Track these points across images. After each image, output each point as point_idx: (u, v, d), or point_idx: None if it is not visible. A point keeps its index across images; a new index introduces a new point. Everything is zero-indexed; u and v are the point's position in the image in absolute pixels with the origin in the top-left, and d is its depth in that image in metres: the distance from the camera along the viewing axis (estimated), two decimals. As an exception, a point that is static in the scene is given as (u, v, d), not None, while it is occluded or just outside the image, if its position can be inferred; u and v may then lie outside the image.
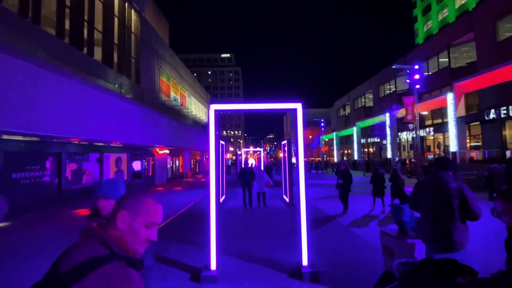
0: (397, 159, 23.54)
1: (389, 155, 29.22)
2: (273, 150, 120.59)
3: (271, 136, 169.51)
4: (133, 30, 21.55)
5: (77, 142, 10.31)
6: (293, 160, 10.32)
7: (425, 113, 22.40)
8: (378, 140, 31.53)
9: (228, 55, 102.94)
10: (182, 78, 34.56)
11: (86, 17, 15.76)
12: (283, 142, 10.51)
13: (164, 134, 16.12)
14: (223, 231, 4.82)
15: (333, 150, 49.31)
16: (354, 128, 38.40)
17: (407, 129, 23.54)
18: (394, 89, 32.51)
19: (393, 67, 17.35)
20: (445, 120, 22.17)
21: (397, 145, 29.04)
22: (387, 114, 27.75)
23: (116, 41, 19.00)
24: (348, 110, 48.07)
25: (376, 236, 4.25)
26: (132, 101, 12.42)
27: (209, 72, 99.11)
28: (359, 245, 5.46)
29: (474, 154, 19.44)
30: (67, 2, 12.92)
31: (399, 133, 26.61)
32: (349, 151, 44.53)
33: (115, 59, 19.05)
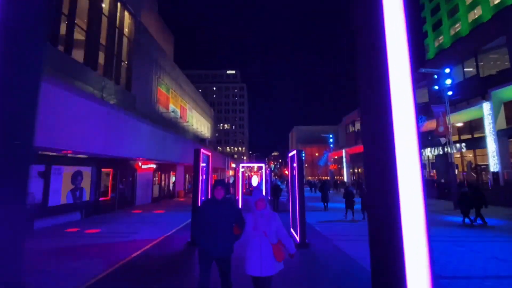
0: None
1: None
2: (278, 167, 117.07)
3: (276, 154, 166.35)
4: (125, 33, 19.70)
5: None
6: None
7: (460, 124, 19.25)
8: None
9: (233, 71, 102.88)
10: (183, 91, 32.72)
11: (66, 11, 13.96)
12: (291, 154, 7.60)
13: (147, 145, 13.44)
14: None
15: (341, 168, 45.77)
16: (367, 145, 35.20)
17: (438, 144, 20.34)
18: (411, 102, 29.69)
19: (422, 70, 14.63)
20: (476, 134, 19.09)
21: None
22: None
23: (103, 42, 17.10)
24: (358, 126, 45.19)
25: None
26: (103, 102, 9.88)
27: (214, 88, 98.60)
28: None
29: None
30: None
31: (422, 150, 23.37)
32: (359, 170, 41.02)
33: (101, 61, 17.09)
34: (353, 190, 11.53)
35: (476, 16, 40.38)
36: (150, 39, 23.17)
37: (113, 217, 11.32)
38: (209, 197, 7.73)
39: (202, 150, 7.41)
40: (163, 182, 19.14)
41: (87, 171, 10.73)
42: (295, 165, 6.98)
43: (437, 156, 23.27)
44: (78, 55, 14.91)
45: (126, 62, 19.36)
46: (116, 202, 13.33)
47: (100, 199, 12.26)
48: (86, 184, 10.69)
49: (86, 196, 10.70)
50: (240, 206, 14.29)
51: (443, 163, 22.82)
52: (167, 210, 13.89)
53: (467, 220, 9.85)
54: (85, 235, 8.05)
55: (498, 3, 34.47)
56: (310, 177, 59.87)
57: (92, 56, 15.67)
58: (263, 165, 15.14)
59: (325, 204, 13.87)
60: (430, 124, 19.34)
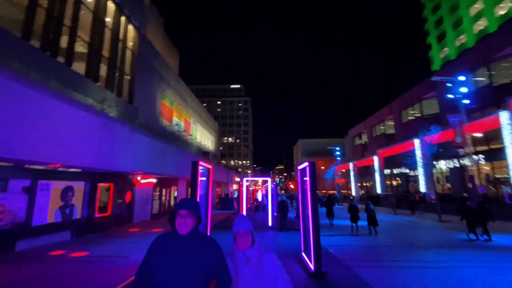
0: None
1: (422, 188, 24.47)
2: (283, 181, 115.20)
3: (280, 167, 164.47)
4: (129, 46, 19.62)
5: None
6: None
7: (479, 134, 18.12)
8: (407, 171, 27.05)
9: (238, 85, 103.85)
10: (187, 104, 32.49)
11: (69, 23, 13.86)
12: (301, 166, 6.75)
13: (146, 158, 12.72)
14: None
15: (349, 182, 44.29)
16: (375, 158, 34.05)
17: (457, 155, 19.15)
18: (420, 113, 28.91)
19: (433, 79, 13.89)
20: (493, 145, 17.97)
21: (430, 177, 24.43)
22: (416, 141, 23.77)
23: (105, 54, 16.94)
24: (365, 138, 44.19)
25: None
26: (96, 112, 9.27)
27: (219, 102, 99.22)
28: None
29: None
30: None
31: (435, 162, 22.15)
32: (368, 184, 39.57)
33: (103, 73, 16.87)
34: (357, 205, 11.75)
35: (481, 28, 40.31)
36: (154, 52, 23.12)
37: (107, 237, 10.42)
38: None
39: (201, 163, 6.62)
40: (163, 198, 18.22)
41: (79, 186, 9.95)
42: (306, 178, 6.12)
43: (452, 169, 22.03)
44: (80, 67, 14.69)
45: (129, 75, 19.12)
46: (112, 220, 12.44)
47: (97, 215, 11.42)
48: (77, 200, 9.87)
49: (78, 214, 9.85)
50: None
51: (459, 176, 21.57)
52: (166, 228, 12.92)
53: (472, 235, 9.76)
54: (69, 259, 7.16)
55: (504, 14, 34.22)
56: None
57: (93, 68, 15.44)
58: (268, 179, 14.16)
59: (330, 220, 13.87)
60: (443, 136, 18.35)
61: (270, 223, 13.15)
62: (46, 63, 11.93)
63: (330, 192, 51.65)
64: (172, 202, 19.87)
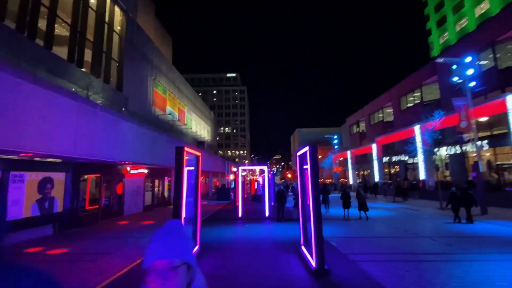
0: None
1: (421, 176, 24.06)
2: (280, 171, 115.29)
3: (277, 157, 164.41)
4: (117, 30, 18.38)
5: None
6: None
7: (485, 118, 17.47)
8: (405, 158, 26.56)
9: (233, 74, 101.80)
10: (181, 93, 31.39)
11: (47, 3, 12.71)
12: (300, 152, 6.03)
13: (135, 147, 11.92)
14: None
15: (346, 170, 43.97)
16: (373, 145, 33.52)
17: (461, 140, 18.57)
18: (420, 99, 28.20)
19: (438, 60, 13.08)
20: (496, 131, 17.39)
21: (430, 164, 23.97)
22: (417, 127, 23.16)
23: (90, 38, 15.81)
24: (363, 126, 43.57)
25: None
26: (73, 95, 8.38)
27: (214, 92, 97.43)
28: None
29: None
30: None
31: (436, 149, 21.59)
32: (365, 172, 39.26)
33: (88, 58, 15.81)
34: (349, 192, 12.67)
35: (483, 11, 39.27)
36: (145, 38, 21.87)
37: (92, 231, 9.74)
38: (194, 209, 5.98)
39: (187, 149, 5.88)
40: (156, 189, 17.51)
41: (59, 178, 9.17)
42: (306, 166, 5.42)
43: (452, 156, 21.52)
44: (62, 51, 13.65)
45: (117, 61, 18.00)
46: (100, 213, 11.75)
47: (85, 208, 10.70)
48: (58, 193, 9.10)
49: (59, 207, 9.11)
50: (240, 214, 12.64)
51: (459, 163, 21.11)
52: (158, 221, 12.28)
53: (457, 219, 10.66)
54: (45, 257, 6.48)
55: (507, -5, 33.11)
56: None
57: (77, 53, 14.38)
58: (265, 167, 13.44)
59: (326, 206, 14.77)
60: (446, 121, 17.70)
61: (267, 214, 12.65)
62: (23, 46, 10.93)
63: (327, 180, 51.47)
64: (166, 193, 19.19)
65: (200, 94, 57.16)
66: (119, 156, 10.60)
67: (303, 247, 6.12)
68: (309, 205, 5.24)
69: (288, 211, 13.09)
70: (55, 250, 7.03)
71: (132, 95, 18.95)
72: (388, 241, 7.92)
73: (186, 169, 5.66)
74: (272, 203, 14.32)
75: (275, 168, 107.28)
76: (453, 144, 20.62)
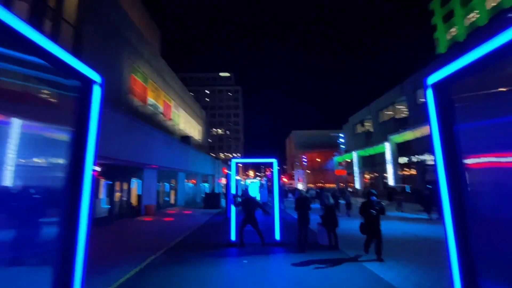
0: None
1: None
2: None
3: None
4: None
5: None
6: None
7: None
8: (426, 157, 22.96)
9: (227, 74, 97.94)
10: (167, 85, 27.17)
11: None
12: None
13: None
14: None
15: (351, 174, 40.19)
16: (387, 144, 29.76)
17: None
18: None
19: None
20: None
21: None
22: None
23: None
24: (369, 125, 39.99)
25: None
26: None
27: (207, 92, 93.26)
28: None
29: None
30: None
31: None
32: (373, 175, 35.56)
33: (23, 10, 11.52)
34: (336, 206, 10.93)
35: (495, 3, 36.69)
36: (122, 13, 17.63)
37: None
38: None
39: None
40: (116, 194, 13.01)
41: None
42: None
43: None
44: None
45: (73, 24, 13.59)
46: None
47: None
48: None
49: None
50: (235, 237, 8.21)
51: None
52: (109, 253, 7.88)
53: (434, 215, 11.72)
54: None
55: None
56: (311, 185, 54.05)
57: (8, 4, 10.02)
58: (274, 160, 8.03)
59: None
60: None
61: (278, 236, 7.74)
62: None
63: (327, 185, 47.56)
64: (133, 200, 14.74)
65: (192, 94, 52.60)
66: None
67: None
68: None
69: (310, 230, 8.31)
70: None
71: (100, 75, 14.62)
72: None
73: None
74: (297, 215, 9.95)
75: (270, 172, 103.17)
76: None
